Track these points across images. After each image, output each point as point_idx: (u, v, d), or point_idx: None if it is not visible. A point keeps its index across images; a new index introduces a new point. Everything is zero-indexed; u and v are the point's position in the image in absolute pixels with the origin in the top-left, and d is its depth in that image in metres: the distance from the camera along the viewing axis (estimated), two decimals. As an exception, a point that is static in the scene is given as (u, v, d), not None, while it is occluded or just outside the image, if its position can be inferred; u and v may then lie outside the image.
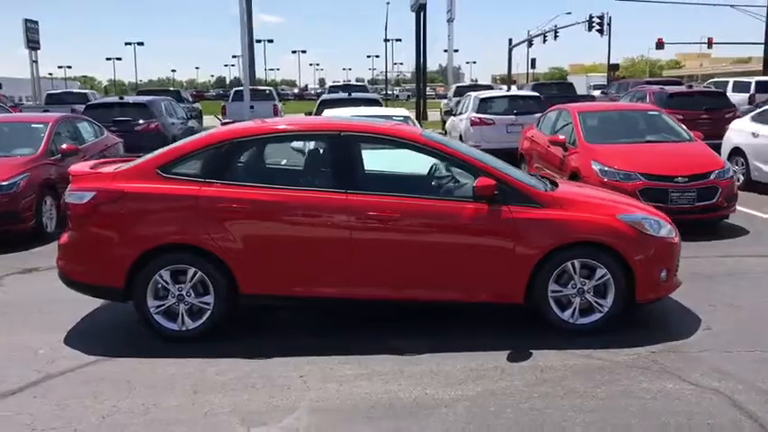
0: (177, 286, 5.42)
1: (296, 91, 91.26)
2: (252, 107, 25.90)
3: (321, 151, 5.72)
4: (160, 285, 5.42)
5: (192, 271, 5.39)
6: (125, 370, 4.96)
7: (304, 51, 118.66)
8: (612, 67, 57.10)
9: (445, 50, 64.84)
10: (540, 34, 64.22)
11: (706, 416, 4.18)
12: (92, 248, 5.50)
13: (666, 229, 5.69)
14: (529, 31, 74.10)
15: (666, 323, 5.83)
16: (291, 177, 5.88)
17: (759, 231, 9.28)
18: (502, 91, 19.42)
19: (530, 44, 68.79)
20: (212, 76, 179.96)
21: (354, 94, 15.85)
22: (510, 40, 68.14)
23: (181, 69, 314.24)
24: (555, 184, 6.08)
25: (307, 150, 5.95)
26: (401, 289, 5.49)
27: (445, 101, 31.21)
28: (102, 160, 6.58)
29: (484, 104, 16.16)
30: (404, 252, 5.42)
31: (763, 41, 38.59)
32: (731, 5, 56.62)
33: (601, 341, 5.34)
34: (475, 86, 29.20)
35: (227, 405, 4.39)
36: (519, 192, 5.50)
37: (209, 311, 5.43)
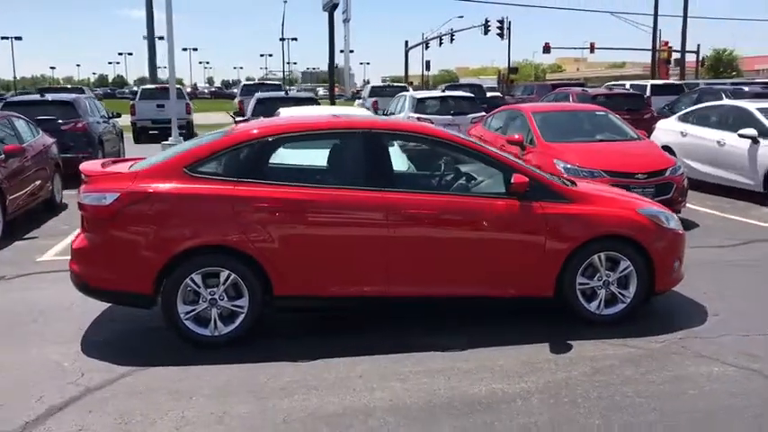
0: (209, 290, 5.20)
1: (188, 90, 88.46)
2: (162, 106, 25.11)
3: (354, 149, 5.63)
4: (190, 289, 5.19)
5: (225, 273, 5.19)
6: (168, 379, 4.72)
7: (195, 49, 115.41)
8: (512, 71, 59.18)
9: (341, 51, 65.35)
10: (437, 37, 65.75)
11: (761, 396, 4.46)
12: (116, 253, 5.19)
13: (675, 222, 6.00)
14: (423, 34, 75.94)
15: (673, 311, 6.13)
16: (325, 175, 5.78)
17: (707, 225, 9.90)
18: (437, 91, 19.69)
19: (426, 46, 70.33)
20: (94, 73, 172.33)
21: (290, 94, 15.63)
22: (406, 42, 69.57)
23: (60, 66, 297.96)
24: (572, 182, 6.27)
25: (339, 148, 5.84)
26: (435, 286, 5.51)
27: (359, 101, 31.35)
28: (110, 159, 6.19)
29: (421, 104, 16.37)
30: (439, 249, 5.44)
31: (640, 47, 41.21)
32: (611, 12, 59.98)
33: (622, 331, 5.56)
34: (390, 87, 29.48)
35: (300, 409, 4.27)
36: (548, 188, 5.64)
37: (243, 315, 5.25)
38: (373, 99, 27.58)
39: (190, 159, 5.32)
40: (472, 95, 17.62)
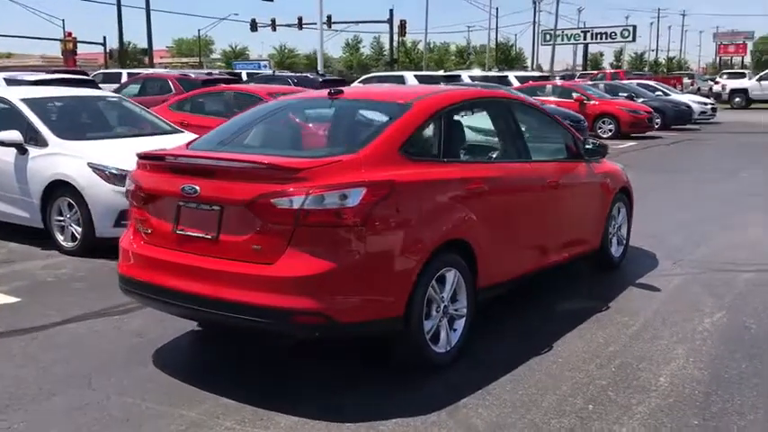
0: (441, 296, 4.22)
1: None
2: None
3: (503, 120, 5.16)
4: (426, 300, 4.10)
5: (452, 273, 4.26)
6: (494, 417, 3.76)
7: None
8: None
9: None
10: None
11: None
12: (367, 270, 3.74)
13: None
14: None
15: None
16: (492, 150, 5.13)
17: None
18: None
19: None
20: None
21: None
22: None
23: None
24: None
25: (489, 120, 5.20)
26: (563, 251, 5.58)
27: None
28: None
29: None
30: (565, 214, 5.53)
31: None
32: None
33: (633, 270, 6.41)
34: None
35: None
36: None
37: (464, 319, 4.40)
38: None
39: (401, 139, 4.13)
40: (91, 78, 15.12)
